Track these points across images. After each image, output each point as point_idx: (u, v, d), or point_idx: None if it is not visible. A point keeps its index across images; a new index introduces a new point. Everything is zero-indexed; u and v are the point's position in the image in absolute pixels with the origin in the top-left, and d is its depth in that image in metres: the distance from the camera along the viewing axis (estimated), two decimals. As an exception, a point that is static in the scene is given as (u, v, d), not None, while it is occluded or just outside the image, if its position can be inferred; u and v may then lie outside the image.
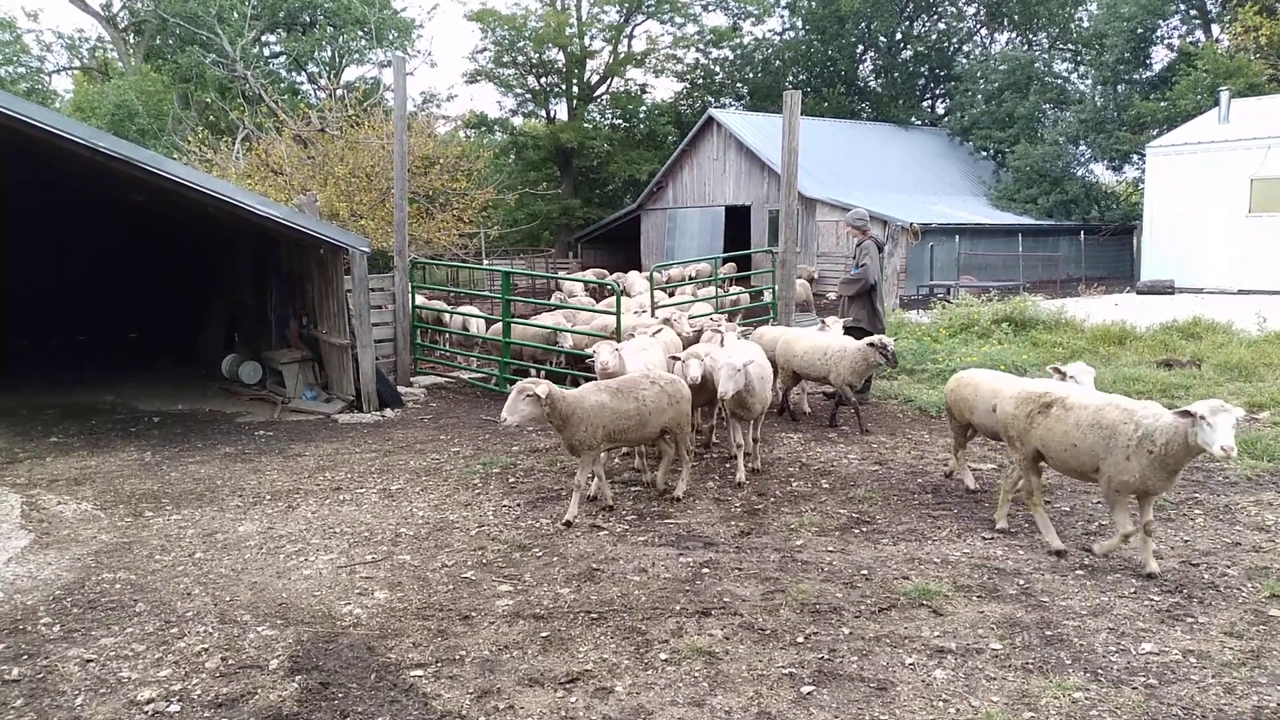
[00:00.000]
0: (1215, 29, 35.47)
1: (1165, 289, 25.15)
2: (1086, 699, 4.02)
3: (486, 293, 21.66)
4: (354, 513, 7.02)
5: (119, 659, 4.59)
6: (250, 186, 18.37)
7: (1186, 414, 4.84)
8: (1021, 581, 5.35)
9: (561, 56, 43.21)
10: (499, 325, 12.51)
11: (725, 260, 24.43)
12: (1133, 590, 5.19)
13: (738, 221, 33.75)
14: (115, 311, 17.50)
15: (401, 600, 5.26)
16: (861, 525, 6.47)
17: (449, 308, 15.57)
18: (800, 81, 46.09)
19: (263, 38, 38.12)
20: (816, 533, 6.31)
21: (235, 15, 34.24)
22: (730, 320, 12.34)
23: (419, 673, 4.39)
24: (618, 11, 43.11)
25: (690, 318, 11.11)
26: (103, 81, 37.34)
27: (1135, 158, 33.65)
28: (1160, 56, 36.03)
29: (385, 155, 19.31)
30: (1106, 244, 34.26)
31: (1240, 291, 24.31)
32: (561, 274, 26.48)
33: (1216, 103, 28.06)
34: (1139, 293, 25.25)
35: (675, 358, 8.03)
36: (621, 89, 45.79)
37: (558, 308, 13.99)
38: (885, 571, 5.53)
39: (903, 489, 7.35)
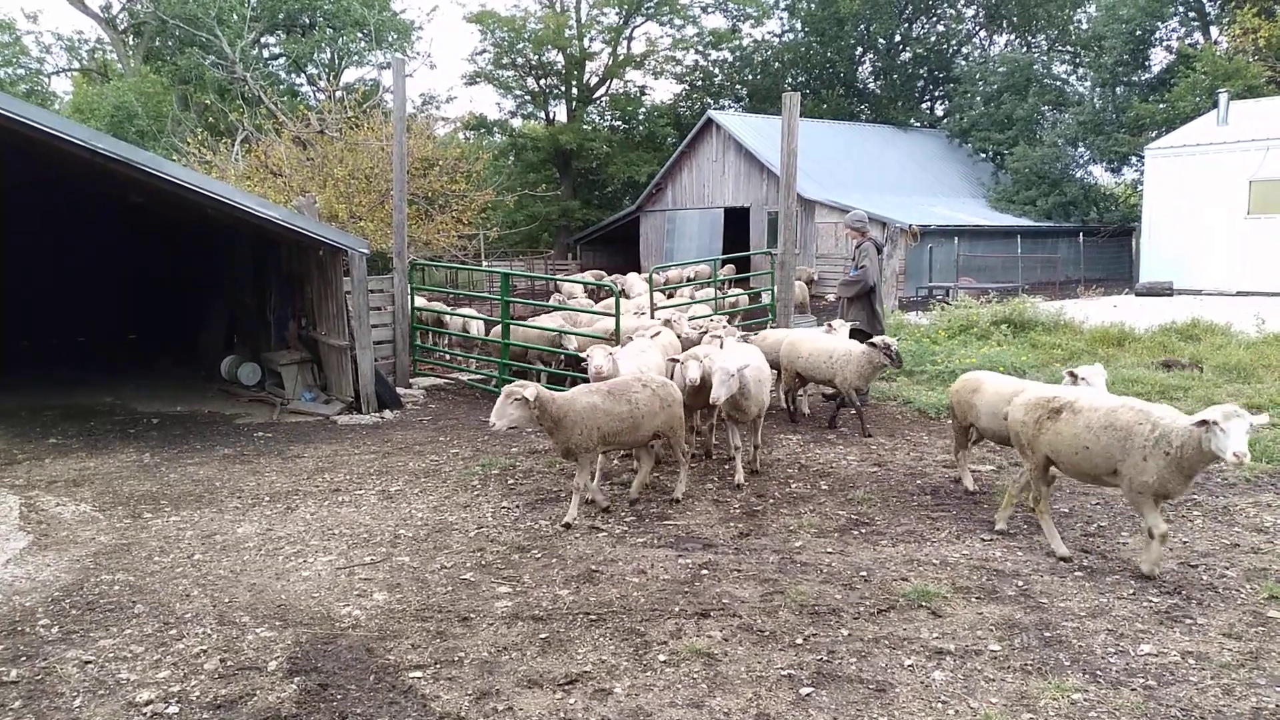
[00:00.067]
0: (1214, 31, 35.53)
1: (1164, 291, 25.17)
2: (1085, 700, 4.02)
3: (486, 294, 21.67)
4: (353, 514, 7.02)
5: (117, 660, 4.58)
6: (249, 188, 18.37)
7: (1203, 423, 4.85)
8: (1020, 583, 5.35)
9: (561, 58, 43.23)
10: (499, 327, 12.51)
11: (724, 262, 24.44)
12: (1131, 592, 5.20)
13: (737, 223, 33.78)
14: (115, 312, 17.49)
15: (400, 602, 5.26)
16: (860, 527, 6.47)
17: (449, 309, 15.58)
18: (799, 83, 46.13)
19: (262, 39, 38.13)
20: (815, 534, 6.32)
21: (235, 17, 34.23)
22: (730, 322, 12.34)
23: (418, 674, 4.39)
24: (617, 13, 43.13)
25: (690, 319, 11.11)
26: (102, 83, 37.34)
27: (1134, 159, 33.70)
28: (1159, 58, 36.15)
29: (384, 157, 19.32)
30: (1105, 246, 34.30)
31: (1239, 293, 24.34)
32: (560, 275, 26.50)
33: (1215, 105, 28.09)
34: (1138, 294, 25.28)
35: (675, 359, 8.02)
36: (621, 91, 45.84)
37: (557, 309, 13.98)
38: (884, 573, 5.53)
39: (902, 490, 7.35)
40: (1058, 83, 39.97)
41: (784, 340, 10.03)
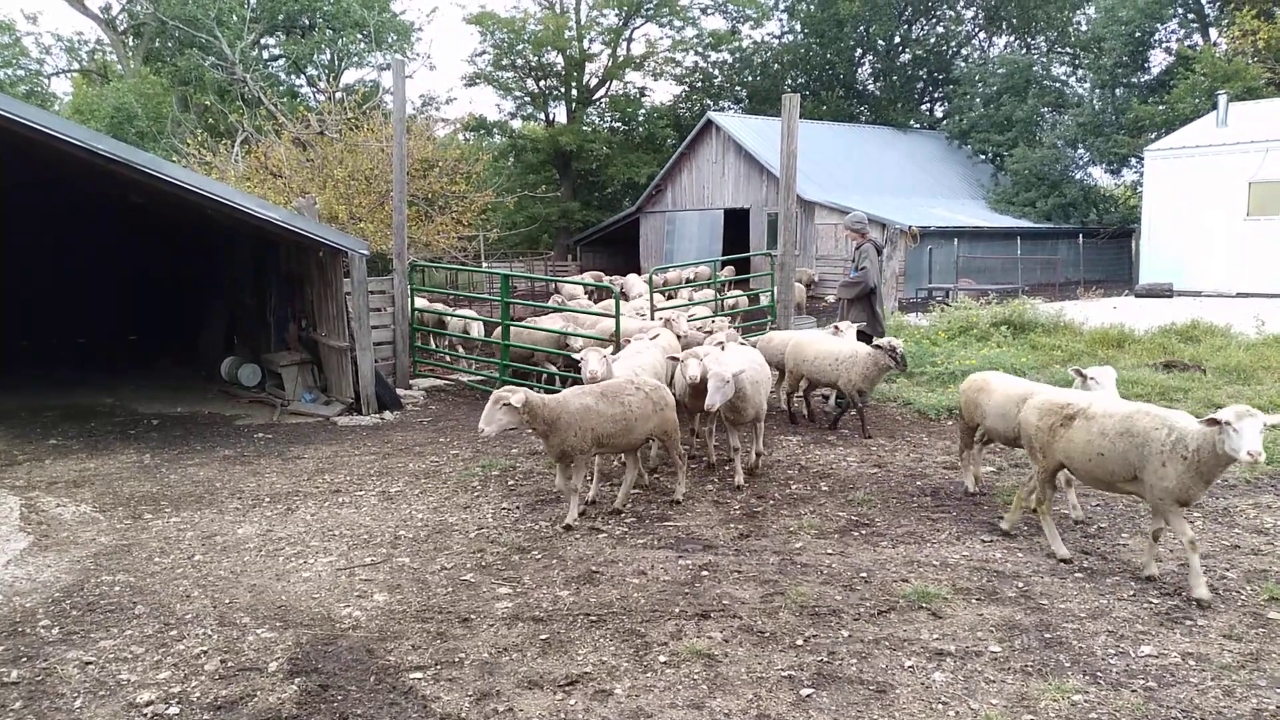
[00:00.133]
0: (1213, 33, 35.54)
1: (1164, 292, 25.17)
2: (1085, 701, 4.02)
3: (486, 295, 21.67)
4: (353, 515, 7.02)
5: (118, 661, 4.58)
6: (249, 189, 18.37)
7: (1214, 422, 4.83)
8: (1020, 584, 5.35)
9: (560, 59, 43.24)
10: (500, 328, 12.51)
11: (724, 263, 24.45)
12: (1132, 593, 5.20)
13: (736, 224, 33.78)
14: (115, 313, 17.50)
15: (401, 602, 5.26)
16: (860, 528, 6.47)
17: (449, 310, 15.58)
18: (799, 85, 46.13)
19: (262, 40, 38.14)
20: (815, 535, 6.32)
21: (234, 18, 34.25)
22: (731, 324, 12.34)
23: (418, 675, 4.39)
24: (616, 15, 43.15)
25: (690, 320, 11.11)
26: (102, 84, 37.35)
27: (1134, 161, 33.70)
28: (1158, 60, 36.15)
29: (384, 158, 19.33)
30: (1105, 247, 34.30)
31: (1239, 294, 24.35)
32: (560, 277, 26.50)
33: (1214, 106, 28.10)
34: (1137, 296, 25.28)
35: (675, 359, 8.01)
36: (620, 92, 45.85)
37: (557, 310, 13.98)
38: (884, 574, 5.53)
39: (902, 492, 7.35)
40: (1057, 84, 39.99)
41: (789, 342, 10.01)
